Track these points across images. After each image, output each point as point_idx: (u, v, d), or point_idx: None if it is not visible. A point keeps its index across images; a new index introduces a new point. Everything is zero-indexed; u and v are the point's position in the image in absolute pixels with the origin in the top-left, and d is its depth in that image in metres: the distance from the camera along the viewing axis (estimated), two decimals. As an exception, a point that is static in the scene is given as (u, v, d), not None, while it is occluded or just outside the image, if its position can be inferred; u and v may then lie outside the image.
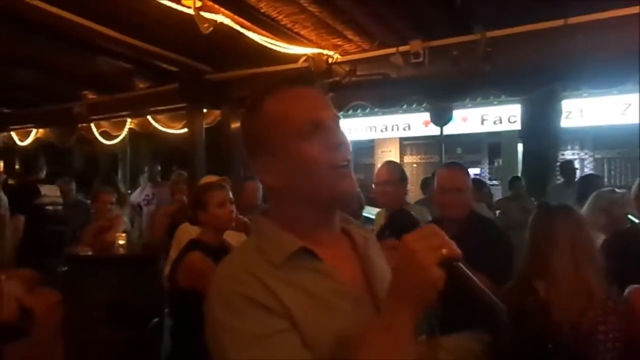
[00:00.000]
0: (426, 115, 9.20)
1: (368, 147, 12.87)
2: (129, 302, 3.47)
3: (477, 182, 5.24)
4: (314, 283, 0.82)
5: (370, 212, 4.45)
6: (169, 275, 2.49)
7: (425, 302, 0.73)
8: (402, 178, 2.91)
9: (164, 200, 5.19)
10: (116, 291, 3.54)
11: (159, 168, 6.11)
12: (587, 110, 9.32)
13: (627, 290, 1.89)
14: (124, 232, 4.09)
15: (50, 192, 4.41)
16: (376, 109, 6.11)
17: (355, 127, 11.37)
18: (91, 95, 6.10)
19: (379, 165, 13.13)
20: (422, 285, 0.71)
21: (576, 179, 6.02)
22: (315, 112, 0.86)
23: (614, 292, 1.83)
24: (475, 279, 0.73)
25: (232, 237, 2.53)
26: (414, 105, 6.07)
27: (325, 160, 0.84)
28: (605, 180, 11.59)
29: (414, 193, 7.45)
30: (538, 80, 3.80)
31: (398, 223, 0.81)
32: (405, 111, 9.25)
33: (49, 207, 4.33)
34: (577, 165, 11.84)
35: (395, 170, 2.95)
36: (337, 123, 0.89)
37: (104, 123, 6.57)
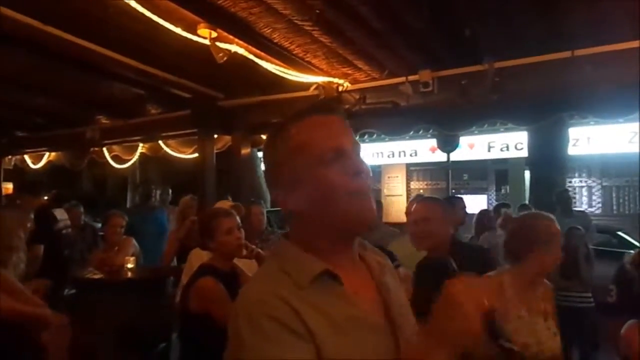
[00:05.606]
0: (433, 142, 9.25)
1: (375, 173, 12.90)
2: (136, 326, 3.45)
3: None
4: (336, 308, 0.83)
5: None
6: (179, 300, 2.48)
7: (462, 347, 0.76)
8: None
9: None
10: (124, 315, 3.52)
11: (170, 191, 6.15)
12: (594, 138, 9.34)
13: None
14: (132, 255, 4.10)
15: (62, 216, 4.43)
16: (384, 136, 6.16)
17: (362, 153, 11.43)
18: (104, 120, 6.21)
19: (385, 190, 13.04)
20: (463, 334, 0.74)
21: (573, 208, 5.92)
22: (337, 140, 0.89)
23: None
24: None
25: (243, 265, 2.52)
26: (421, 132, 6.11)
27: (344, 186, 0.85)
28: (614, 207, 11.52)
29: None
30: (545, 110, 3.84)
31: (437, 268, 0.86)
32: (412, 137, 9.29)
33: (64, 232, 4.32)
34: (585, 192, 11.81)
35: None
36: (358, 151, 0.91)
37: (115, 147, 6.67)
